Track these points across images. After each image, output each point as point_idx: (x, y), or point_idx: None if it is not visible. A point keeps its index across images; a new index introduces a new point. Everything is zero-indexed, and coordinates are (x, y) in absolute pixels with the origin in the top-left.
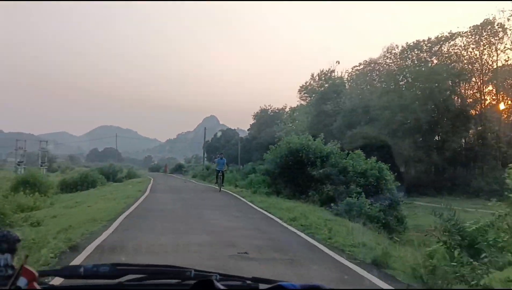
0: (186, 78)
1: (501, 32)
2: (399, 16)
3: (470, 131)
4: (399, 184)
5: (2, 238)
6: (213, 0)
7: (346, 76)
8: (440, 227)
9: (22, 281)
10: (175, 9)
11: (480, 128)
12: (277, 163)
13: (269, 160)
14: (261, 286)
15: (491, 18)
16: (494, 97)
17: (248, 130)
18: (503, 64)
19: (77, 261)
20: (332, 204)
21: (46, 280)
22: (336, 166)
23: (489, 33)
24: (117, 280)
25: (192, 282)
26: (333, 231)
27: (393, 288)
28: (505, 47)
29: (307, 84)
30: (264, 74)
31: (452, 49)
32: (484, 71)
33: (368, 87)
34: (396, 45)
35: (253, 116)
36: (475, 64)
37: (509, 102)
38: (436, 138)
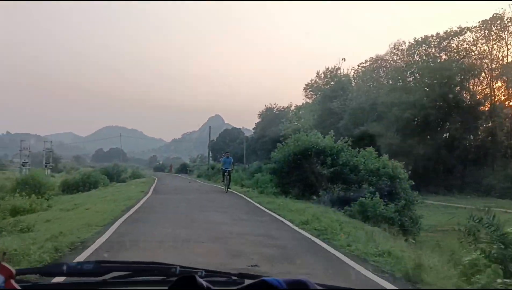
0: (191, 78)
1: (511, 27)
2: (405, 13)
3: (480, 128)
4: (413, 182)
5: None
6: (218, 0)
7: (352, 74)
8: (465, 229)
9: None
10: (179, 8)
11: (490, 124)
12: (285, 161)
13: (277, 159)
14: (247, 281)
15: (500, 13)
16: (504, 93)
17: (253, 128)
18: None
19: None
20: (345, 205)
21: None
22: (347, 165)
23: (498, 27)
24: (101, 278)
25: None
26: (351, 236)
27: (397, 288)
28: None
29: (313, 82)
30: (269, 73)
31: (461, 44)
32: (493, 66)
33: (375, 84)
34: (403, 41)
35: (259, 114)
36: (484, 59)
37: None
38: (445, 135)
